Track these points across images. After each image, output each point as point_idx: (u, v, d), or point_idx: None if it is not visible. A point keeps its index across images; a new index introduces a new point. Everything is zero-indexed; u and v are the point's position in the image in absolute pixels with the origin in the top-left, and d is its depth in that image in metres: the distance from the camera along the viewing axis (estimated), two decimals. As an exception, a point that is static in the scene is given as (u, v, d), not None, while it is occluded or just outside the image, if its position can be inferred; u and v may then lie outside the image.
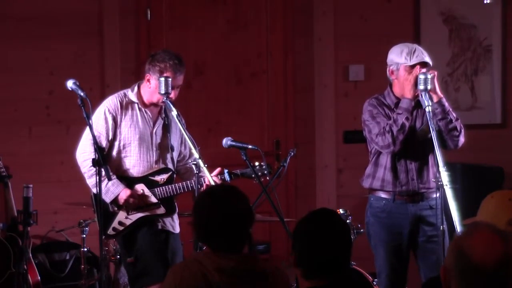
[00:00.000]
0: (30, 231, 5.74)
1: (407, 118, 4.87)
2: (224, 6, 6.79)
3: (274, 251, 6.53)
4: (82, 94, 4.69)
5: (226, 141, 4.91)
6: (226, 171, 5.04)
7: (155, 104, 5.13)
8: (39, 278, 5.82)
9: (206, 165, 4.78)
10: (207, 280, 3.28)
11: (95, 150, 4.60)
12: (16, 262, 5.69)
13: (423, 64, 4.92)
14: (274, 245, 6.55)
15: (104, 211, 4.97)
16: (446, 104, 4.95)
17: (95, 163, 4.58)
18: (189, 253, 5.08)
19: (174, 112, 4.91)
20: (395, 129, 4.86)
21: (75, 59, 6.41)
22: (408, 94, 4.90)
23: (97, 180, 4.59)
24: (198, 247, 4.49)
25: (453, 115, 4.96)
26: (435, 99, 4.87)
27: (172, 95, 4.99)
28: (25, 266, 5.68)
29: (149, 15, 6.66)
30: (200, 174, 4.82)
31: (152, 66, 5.08)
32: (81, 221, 5.71)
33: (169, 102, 4.94)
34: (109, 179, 4.74)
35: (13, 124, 6.37)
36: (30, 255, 5.81)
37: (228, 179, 5.04)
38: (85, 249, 5.74)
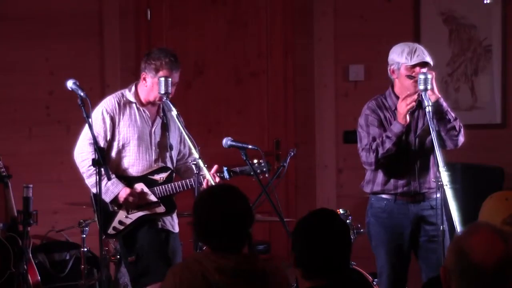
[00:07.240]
0: (30, 231, 5.75)
1: (394, 144, 4.87)
2: (224, 6, 6.79)
3: (274, 251, 6.52)
4: (82, 94, 4.69)
5: (226, 141, 4.90)
6: (225, 168, 5.03)
7: (152, 103, 5.13)
8: (39, 278, 5.82)
9: (206, 165, 4.78)
10: (207, 280, 3.28)
11: (95, 150, 4.60)
12: (16, 262, 5.69)
13: (423, 64, 4.92)
14: (274, 245, 6.54)
15: (104, 210, 4.97)
16: (444, 104, 4.95)
17: (95, 163, 4.58)
18: (189, 253, 5.07)
19: (174, 112, 4.90)
20: (380, 151, 4.88)
21: (75, 59, 6.41)
22: (401, 119, 4.89)
23: (97, 180, 4.59)
24: (198, 247, 4.49)
25: (451, 115, 4.96)
26: (433, 99, 4.87)
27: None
28: (25, 266, 5.69)
29: (149, 15, 6.66)
30: (200, 174, 4.81)
31: (147, 65, 5.08)
32: (81, 221, 5.72)
33: (169, 102, 4.93)
34: (109, 178, 4.74)
35: (13, 124, 6.37)
36: (30, 255, 5.81)
37: (228, 177, 5.03)
38: (85, 249, 5.74)
